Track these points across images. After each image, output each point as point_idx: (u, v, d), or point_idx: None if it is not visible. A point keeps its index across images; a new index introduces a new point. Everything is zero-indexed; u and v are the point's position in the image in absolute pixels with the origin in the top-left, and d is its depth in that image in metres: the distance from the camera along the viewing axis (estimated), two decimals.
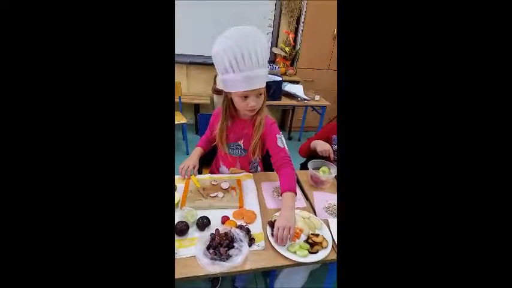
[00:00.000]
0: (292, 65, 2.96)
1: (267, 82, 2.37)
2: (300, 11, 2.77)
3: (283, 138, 1.10)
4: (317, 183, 1.15)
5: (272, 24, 2.84)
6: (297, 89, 2.46)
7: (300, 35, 2.81)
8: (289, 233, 0.79)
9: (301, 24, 2.76)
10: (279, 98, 2.37)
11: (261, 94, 0.96)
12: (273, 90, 2.27)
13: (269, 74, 2.44)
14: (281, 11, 2.79)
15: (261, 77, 0.91)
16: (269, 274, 1.26)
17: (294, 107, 2.91)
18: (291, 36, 2.80)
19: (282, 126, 3.36)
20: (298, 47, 2.85)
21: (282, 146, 1.06)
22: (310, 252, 0.80)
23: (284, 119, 3.31)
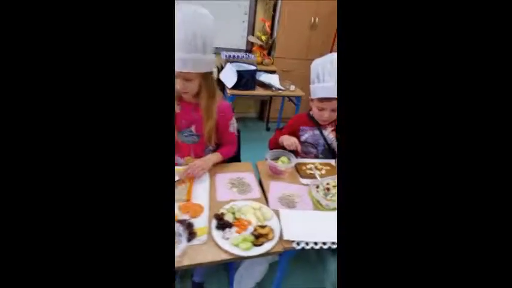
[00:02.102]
0: (269, 54, 2.89)
1: (238, 71, 2.29)
2: None
3: (235, 124, 1.15)
4: (276, 174, 1.11)
5: (248, 12, 2.75)
6: (273, 79, 2.41)
7: (276, 23, 2.73)
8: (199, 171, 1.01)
9: (278, 11, 2.69)
10: (253, 88, 2.31)
11: (190, 79, 0.95)
12: (246, 79, 2.20)
13: (243, 63, 2.38)
14: None
15: (193, 61, 0.89)
16: (229, 267, 1.24)
17: (271, 97, 2.86)
18: (268, 24, 2.72)
19: (260, 117, 3.32)
20: (275, 35, 2.78)
21: (232, 131, 1.15)
22: (255, 245, 0.76)
23: (263, 109, 3.26)
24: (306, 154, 1.36)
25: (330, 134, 1.33)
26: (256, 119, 3.34)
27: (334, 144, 1.35)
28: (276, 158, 1.16)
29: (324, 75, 1.14)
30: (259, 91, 2.34)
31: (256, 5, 2.74)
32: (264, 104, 3.20)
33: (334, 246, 0.79)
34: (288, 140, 1.23)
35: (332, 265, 1.43)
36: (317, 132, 1.32)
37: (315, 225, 0.86)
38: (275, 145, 1.31)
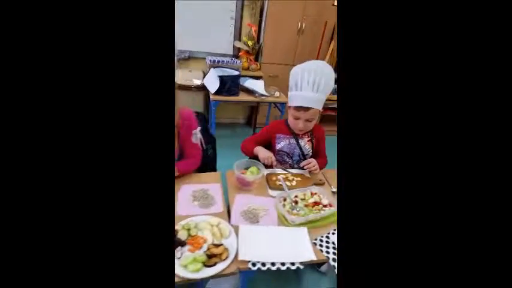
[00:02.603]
0: (257, 59, 2.86)
1: (221, 76, 2.24)
2: (263, 2, 2.67)
3: (198, 134, 1.08)
4: (243, 185, 1.06)
5: (234, 17, 2.72)
6: (257, 85, 2.37)
7: (263, 28, 2.70)
8: None
9: (264, 16, 2.66)
10: (237, 94, 2.26)
11: None
12: (229, 85, 2.16)
13: (228, 68, 2.34)
14: (243, 2, 2.67)
15: None
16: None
17: (258, 103, 2.82)
18: (254, 29, 2.69)
19: (248, 123, 3.27)
20: (261, 40, 2.75)
21: (195, 142, 1.08)
22: (206, 265, 0.71)
23: (251, 115, 3.21)
24: (281, 163, 1.31)
25: (306, 145, 1.28)
26: (245, 124, 3.29)
27: (310, 155, 1.30)
28: (247, 168, 1.11)
29: (302, 84, 1.10)
30: (243, 97, 2.30)
31: (242, 10, 2.72)
32: (253, 110, 3.16)
33: (294, 267, 0.74)
34: (263, 154, 1.17)
35: (306, 281, 1.37)
36: (293, 141, 1.27)
37: (276, 243, 0.80)
38: (250, 154, 1.25)
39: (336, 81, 0.98)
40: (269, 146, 1.30)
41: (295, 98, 1.13)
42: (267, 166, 1.18)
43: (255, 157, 1.21)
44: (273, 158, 1.16)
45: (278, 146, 1.28)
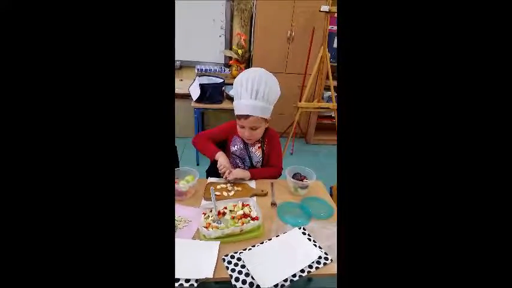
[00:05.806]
0: (248, 68, 2.85)
1: (201, 84, 2.25)
2: (251, 11, 2.67)
3: None
4: (177, 195, 1.01)
5: (224, 26, 2.75)
6: None
7: (253, 36, 2.70)
8: None
9: (253, 26, 2.66)
10: (219, 102, 2.25)
11: None
12: (210, 93, 2.16)
13: (210, 76, 2.35)
14: (232, 12, 2.70)
15: None
16: None
17: None
18: (243, 38, 2.70)
19: None
20: (252, 49, 2.75)
21: None
22: None
23: None
24: (234, 167, 1.26)
25: (256, 151, 1.22)
26: None
27: (259, 164, 1.24)
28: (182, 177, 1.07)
29: (242, 92, 1.06)
30: (226, 105, 2.28)
31: (232, 20, 2.74)
32: None
33: (187, 284, 0.68)
34: (222, 161, 1.11)
35: None
36: (245, 147, 1.22)
37: (181, 257, 0.75)
38: (208, 152, 1.18)
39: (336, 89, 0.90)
40: (224, 144, 1.26)
41: (236, 106, 1.10)
42: (219, 174, 1.13)
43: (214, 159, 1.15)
44: (228, 171, 1.10)
45: (232, 149, 1.23)
